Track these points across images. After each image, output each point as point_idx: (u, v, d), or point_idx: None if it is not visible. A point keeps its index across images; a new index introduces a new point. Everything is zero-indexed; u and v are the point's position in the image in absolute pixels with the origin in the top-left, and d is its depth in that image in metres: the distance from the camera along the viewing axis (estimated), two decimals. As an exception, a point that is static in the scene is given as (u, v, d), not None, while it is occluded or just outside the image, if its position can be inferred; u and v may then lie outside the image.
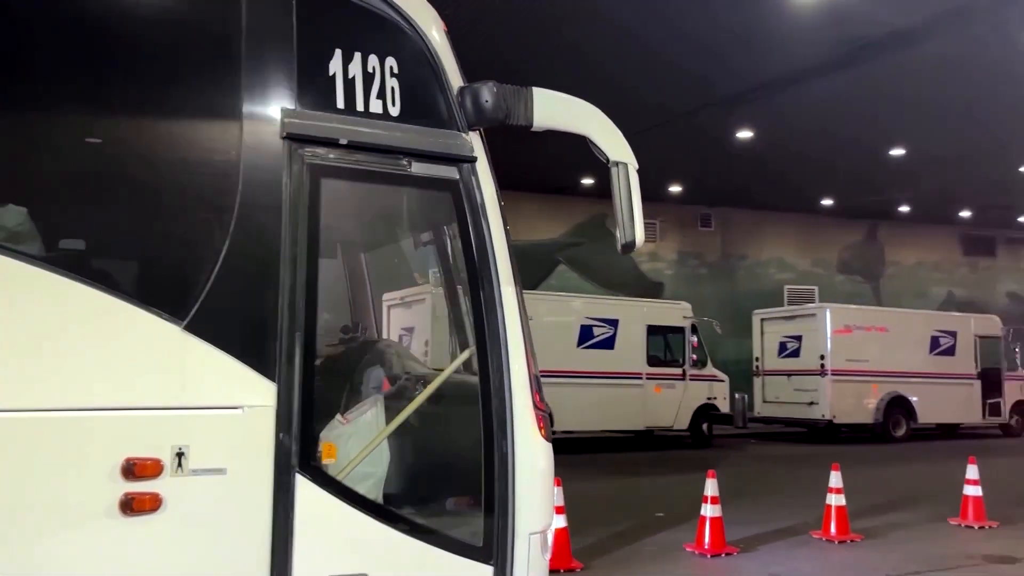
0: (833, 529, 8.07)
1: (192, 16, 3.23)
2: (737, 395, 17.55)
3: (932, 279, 25.94)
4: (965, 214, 24.50)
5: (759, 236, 24.20)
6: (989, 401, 19.31)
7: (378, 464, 3.51)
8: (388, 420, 3.57)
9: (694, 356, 16.58)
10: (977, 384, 19.18)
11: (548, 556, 3.62)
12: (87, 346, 2.85)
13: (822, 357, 17.75)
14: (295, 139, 3.19)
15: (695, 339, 16.65)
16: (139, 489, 2.84)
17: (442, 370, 3.80)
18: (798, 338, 18.49)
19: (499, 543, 3.45)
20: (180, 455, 2.91)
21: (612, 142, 3.89)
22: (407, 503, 3.62)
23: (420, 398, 3.63)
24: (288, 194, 3.16)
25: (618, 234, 3.81)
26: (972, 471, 9.19)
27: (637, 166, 3.83)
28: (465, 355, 3.62)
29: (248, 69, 3.18)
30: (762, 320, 19.48)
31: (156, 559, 2.89)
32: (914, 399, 18.33)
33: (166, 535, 2.89)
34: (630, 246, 3.81)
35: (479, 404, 3.51)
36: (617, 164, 3.85)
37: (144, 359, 2.91)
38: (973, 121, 13.75)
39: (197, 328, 2.96)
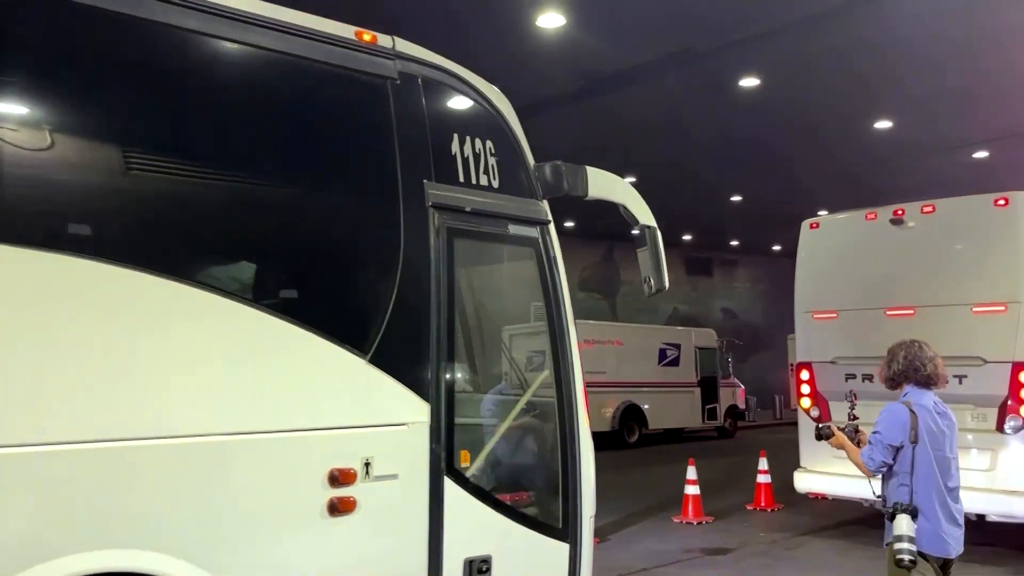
0: (572, 534, 8.52)
1: (362, 114, 3.92)
2: (487, 409, 18.00)
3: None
4: (687, 237, 27.03)
5: (508, 255, 25.05)
6: (707, 406, 21.31)
7: (493, 466, 4.26)
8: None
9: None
10: (697, 391, 21.10)
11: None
12: (301, 375, 3.44)
13: (565, 370, 18.71)
14: (437, 207, 3.91)
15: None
16: (341, 494, 3.44)
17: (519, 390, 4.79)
18: (544, 353, 19.34)
19: (572, 524, 4.29)
20: (368, 465, 3.52)
21: (642, 210, 4.94)
22: (512, 496, 4.29)
23: (514, 412, 4.47)
24: (434, 251, 3.87)
25: (651, 281, 4.88)
26: (691, 472, 10.12)
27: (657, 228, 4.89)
28: (546, 374, 4.53)
29: (401, 152, 3.86)
30: (511, 336, 20.16)
31: (352, 550, 3.50)
32: (645, 407, 19.83)
33: (359, 531, 3.49)
34: (660, 290, 4.91)
35: (558, 414, 4.38)
36: (647, 227, 4.90)
37: (340, 386, 3.55)
38: (693, 154, 15.25)
39: (376, 360, 3.60)
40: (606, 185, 4.81)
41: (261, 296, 3.51)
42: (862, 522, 9.69)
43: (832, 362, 9.20)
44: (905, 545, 4.15)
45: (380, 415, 3.63)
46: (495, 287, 5.11)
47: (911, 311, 8.59)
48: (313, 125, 3.77)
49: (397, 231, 3.78)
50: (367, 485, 3.49)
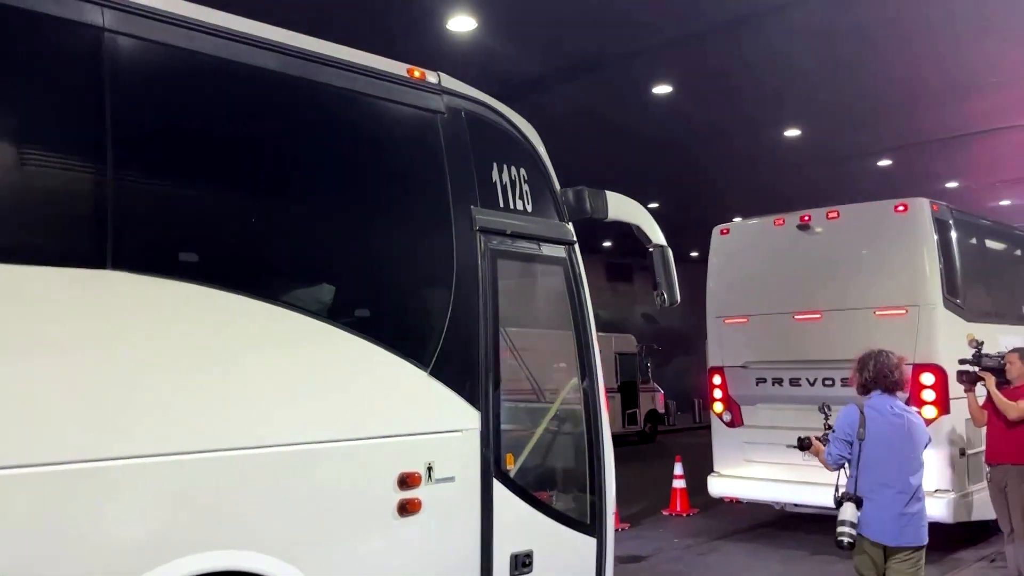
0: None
1: (418, 146, 4.21)
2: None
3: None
4: (607, 244, 27.22)
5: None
6: (628, 411, 21.45)
7: (532, 468, 4.64)
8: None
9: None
10: (618, 396, 21.19)
11: None
12: (377, 387, 3.77)
13: (485, 378, 18.55)
14: (483, 231, 4.27)
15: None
16: (409, 496, 3.74)
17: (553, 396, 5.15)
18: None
19: (599, 520, 4.66)
20: (430, 468, 3.83)
21: (655, 230, 5.35)
22: (548, 495, 4.67)
23: (548, 417, 4.87)
24: (481, 271, 4.22)
25: (665, 295, 5.20)
26: (608, 479, 10.08)
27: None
28: (574, 382, 4.85)
29: (451, 180, 4.19)
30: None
31: (419, 548, 3.80)
32: (567, 413, 19.78)
33: (424, 529, 3.79)
34: (673, 303, 5.23)
35: (585, 419, 4.74)
36: (660, 246, 5.28)
37: (407, 396, 3.87)
38: (610, 161, 15.29)
39: (436, 372, 3.93)
40: (624, 208, 5.22)
41: (341, 316, 3.75)
42: (775, 525, 9.81)
43: (743, 367, 9.29)
44: (845, 529, 4.61)
45: (439, 423, 3.97)
46: (530, 303, 5.45)
47: (818, 315, 8.73)
48: (378, 157, 4.08)
49: (451, 254, 4.13)
50: (430, 487, 3.82)
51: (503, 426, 4.26)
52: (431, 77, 4.29)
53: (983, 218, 10.19)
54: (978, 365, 7.19)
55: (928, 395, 7.90)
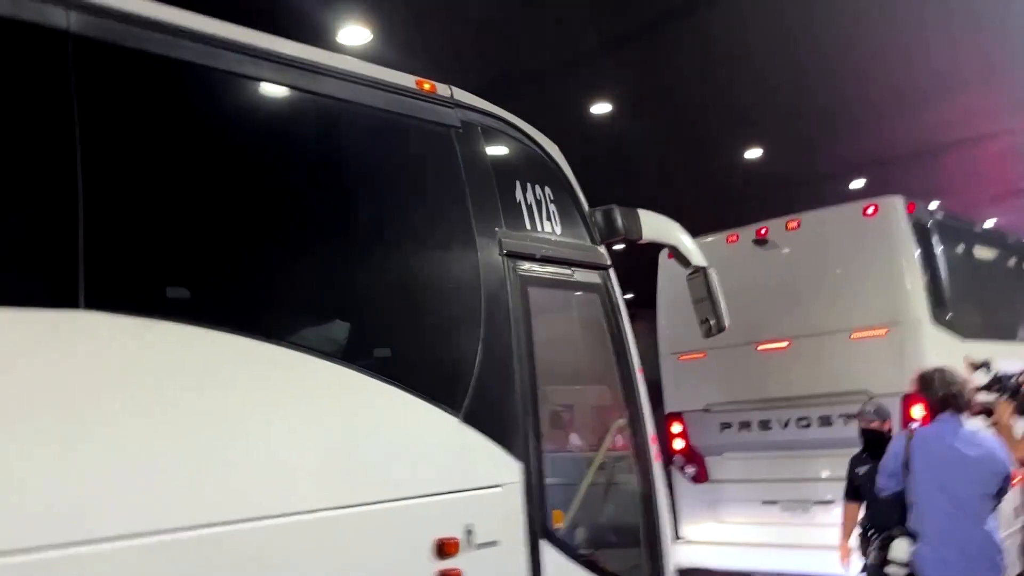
0: None
1: (435, 165, 3.80)
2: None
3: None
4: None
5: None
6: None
7: (583, 525, 4.14)
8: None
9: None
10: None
11: None
12: (403, 439, 3.28)
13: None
14: (511, 256, 3.89)
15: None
16: (448, 566, 3.24)
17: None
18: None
19: None
20: (469, 532, 3.34)
21: (695, 251, 4.90)
22: (603, 555, 4.07)
23: (595, 466, 4.34)
24: (511, 301, 3.81)
25: (711, 322, 4.76)
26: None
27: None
28: (621, 424, 4.37)
29: (473, 202, 3.81)
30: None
31: None
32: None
33: None
34: (721, 330, 4.78)
35: (637, 466, 4.26)
36: (701, 269, 4.86)
37: (438, 448, 3.38)
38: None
39: (469, 419, 3.46)
40: (660, 227, 4.80)
41: (357, 357, 3.25)
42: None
43: (705, 410, 7.93)
44: (892, 569, 4.37)
45: (476, 477, 3.49)
46: (565, 335, 4.92)
47: (785, 343, 7.42)
48: (390, 177, 3.67)
49: (478, 281, 3.71)
50: (471, 554, 3.32)
51: (549, 479, 3.81)
52: (442, 90, 3.95)
53: (970, 221, 9.00)
54: (994, 390, 5.68)
55: (922, 431, 6.53)
